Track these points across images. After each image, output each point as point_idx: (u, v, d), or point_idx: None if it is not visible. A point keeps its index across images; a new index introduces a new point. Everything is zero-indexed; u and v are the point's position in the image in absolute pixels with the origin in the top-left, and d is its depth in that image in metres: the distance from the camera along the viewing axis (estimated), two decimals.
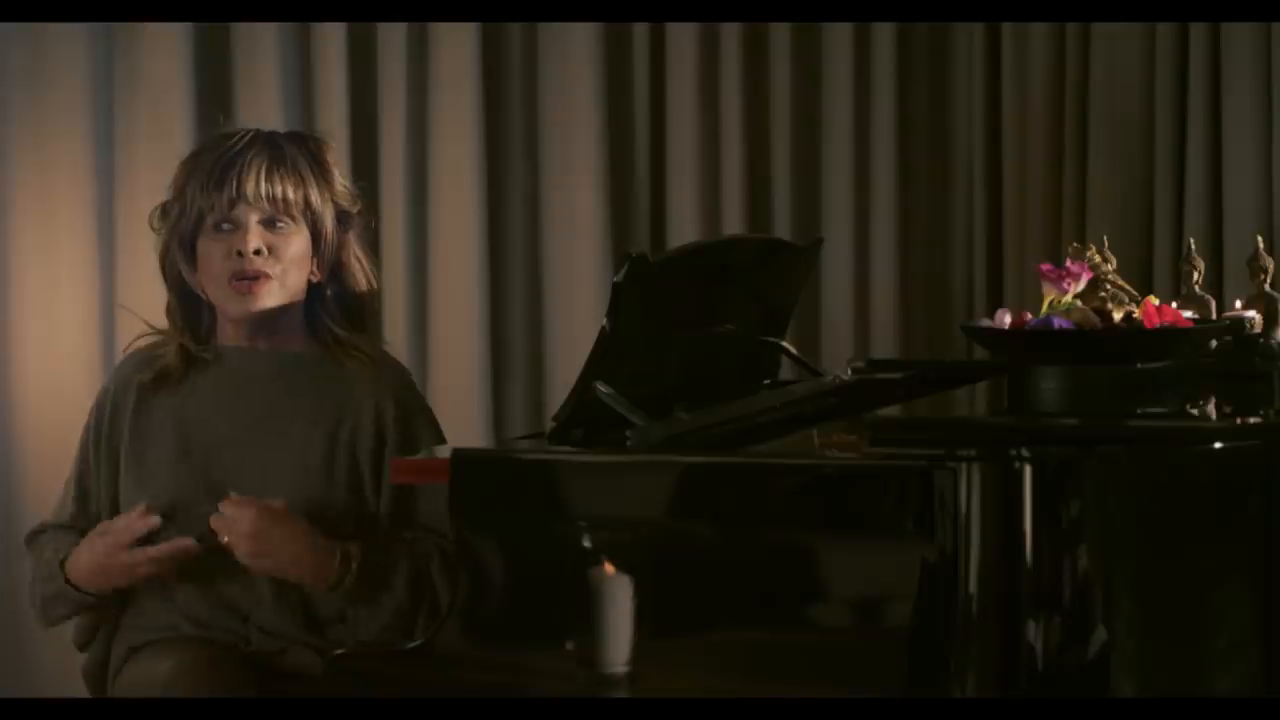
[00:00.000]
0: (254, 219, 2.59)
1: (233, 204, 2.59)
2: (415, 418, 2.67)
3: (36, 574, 2.70)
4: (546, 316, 3.93)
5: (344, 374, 2.66)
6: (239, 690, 2.53)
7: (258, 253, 2.59)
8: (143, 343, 2.73)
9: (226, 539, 2.54)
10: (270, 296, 2.61)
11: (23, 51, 3.43)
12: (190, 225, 2.61)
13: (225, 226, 2.60)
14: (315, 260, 2.65)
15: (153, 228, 2.70)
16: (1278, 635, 2.21)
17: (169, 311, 2.70)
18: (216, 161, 2.60)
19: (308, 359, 2.67)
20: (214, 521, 2.55)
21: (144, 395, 2.67)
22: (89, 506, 2.70)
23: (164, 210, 2.68)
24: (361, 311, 2.71)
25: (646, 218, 3.97)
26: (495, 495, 2.27)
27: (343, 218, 2.67)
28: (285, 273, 2.62)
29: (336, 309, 2.67)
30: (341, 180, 2.69)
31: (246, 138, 2.63)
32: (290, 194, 2.61)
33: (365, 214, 2.74)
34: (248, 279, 2.59)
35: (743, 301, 2.59)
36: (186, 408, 2.65)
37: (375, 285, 2.73)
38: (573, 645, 2.17)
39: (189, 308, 2.68)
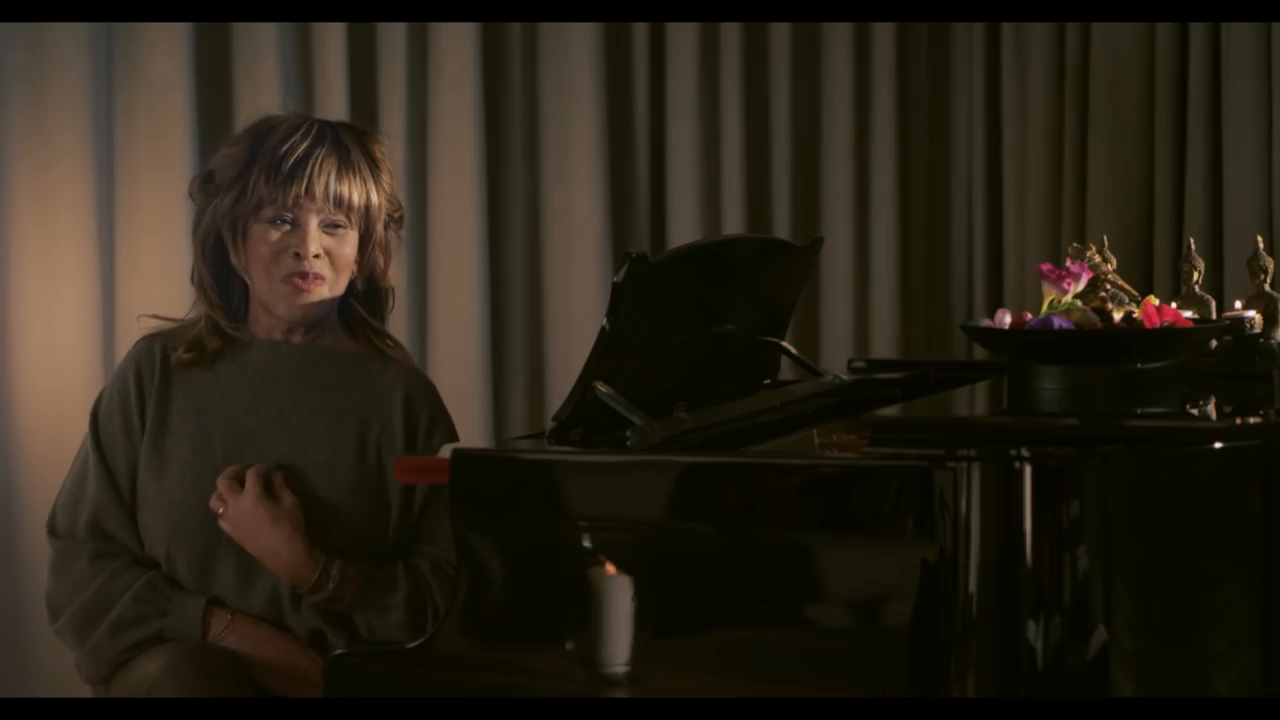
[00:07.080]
0: (315, 221, 2.58)
1: (298, 201, 2.56)
2: (441, 423, 2.67)
3: (108, 590, 2.60)
4: (546, 316, 3.93)
5: (376, 371, 2.66)
6: (228, 690, 2.49)
7: (316, 256, 2.58)
8: (150, 323, 2.70)
9: (221, 510, 2.55)
10: (320, 298, 2.61)
11: (23, 51, 3.42)
12: (247, 210, 2.58)
13: (283, 220, 2.58)
14: (359, 260, 2.64)
15: (191, 197, 2.65)
16: (1278, 635, 2.21)
17: (200, 285, 2.66)
18: (286, 152, 2.57)
19: (339, 355, 2.66)
20: (217, 494, 2.55)
21: (167, 380, 2.63)
22: (118, 489, 2.63)
23: (206, 180, 2.64)
24: (384, 309, 2.72)
25: (646, 218, 3.98)
26: (495, 495, 2.27)
27: (388, 221, 2.67)
28: (338, 276, 2.62)
29: (367, 305, 2.68)
30: (390, 181, 2.69)
31: (313, 130, 2.60)
32: (355, 199, 2.60)
33: (404, 216, 2.74)
34: (303, 280, 2.58)
35: (743, 301, 2.59)
36: (209, 398, 2.63)
37: (393, 284, 2.72)
38: (573, 645, 2.17)
39: (222, 283, 2.65)
